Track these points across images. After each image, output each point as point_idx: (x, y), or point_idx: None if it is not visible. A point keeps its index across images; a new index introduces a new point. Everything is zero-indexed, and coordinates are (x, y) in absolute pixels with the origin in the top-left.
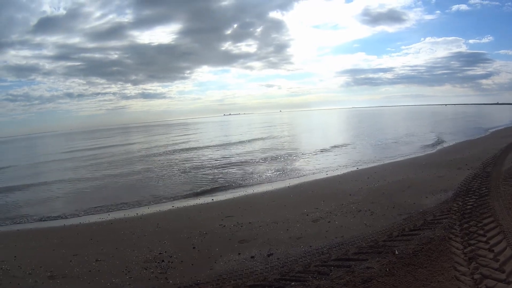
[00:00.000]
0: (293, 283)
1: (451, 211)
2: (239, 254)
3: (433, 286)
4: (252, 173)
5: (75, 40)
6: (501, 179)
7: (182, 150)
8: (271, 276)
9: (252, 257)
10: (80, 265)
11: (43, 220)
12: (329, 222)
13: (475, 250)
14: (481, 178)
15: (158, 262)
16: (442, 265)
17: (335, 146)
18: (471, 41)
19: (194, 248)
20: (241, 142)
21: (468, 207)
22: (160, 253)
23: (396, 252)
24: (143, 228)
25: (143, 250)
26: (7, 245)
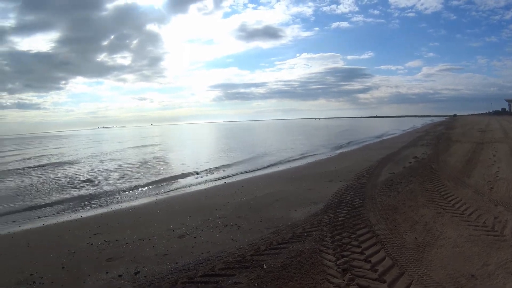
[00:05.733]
0: None
1: (322, 223)
2: (107, 273)
3: None
4: (122, 188)
5: None
6: (377, 190)
7: (55, 164)
8: None
9: (120, 275)
10: None
11: None
12: (195, 237)
13: (350, 262)
14: (354, 190)
15: (30, 284)
16: (314, 277)
17: (204, 160)
18: (349, 57)
19: (63, 268)
20: (114, 155)
21: (340, 218)
22: (31, 274)
23: (265, 266)
24: (13, 249)
25: (15, 271)
26: None
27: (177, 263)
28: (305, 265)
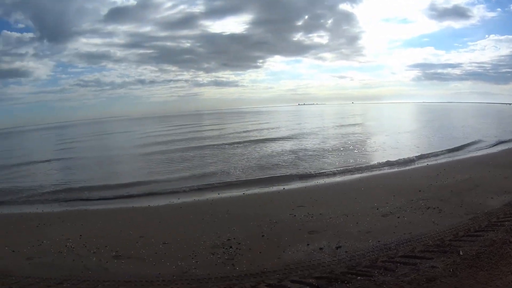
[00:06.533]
0: (359, 277)
1: None
2: (308, 245)
3: None
4: (325, 163)
5: (146, 29)
6: None
7: (266, 139)
8: (338, 269)
9: (321, 248)
10: (146, 247)
11: (111, 201)
12: (398, 217)
13: None
14: None
15: (226, 248)
16: (501, 269)
17: (405, 134)
18: None
19: (263, 236)
20: (316, 133)
21: None
22: (228, 239)
23: (461, 253)
24: (212, 214)
25: (211, 235)
26: (73, 224)
27: (379, 241)
28: (495, 256)
